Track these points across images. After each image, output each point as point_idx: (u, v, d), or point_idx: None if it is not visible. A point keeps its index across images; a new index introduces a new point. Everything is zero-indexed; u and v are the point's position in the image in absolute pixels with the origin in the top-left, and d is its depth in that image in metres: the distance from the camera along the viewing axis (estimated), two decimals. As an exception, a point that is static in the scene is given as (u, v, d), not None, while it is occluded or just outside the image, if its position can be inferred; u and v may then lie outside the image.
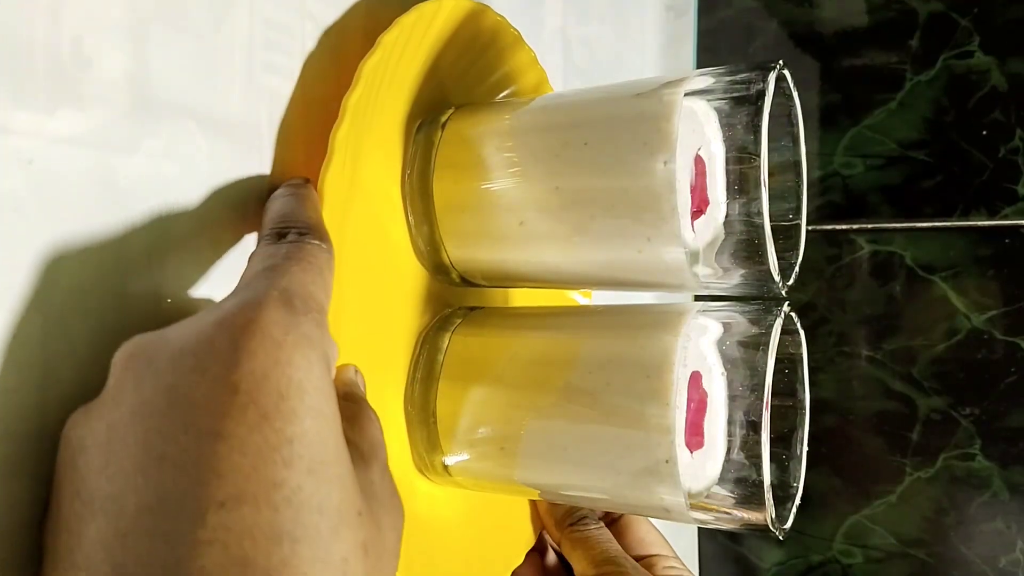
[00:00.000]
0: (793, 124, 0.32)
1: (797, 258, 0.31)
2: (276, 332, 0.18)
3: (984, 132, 0.67)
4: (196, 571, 0.16)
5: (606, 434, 0.30)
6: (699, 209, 0.29)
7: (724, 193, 0.30)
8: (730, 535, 0.75)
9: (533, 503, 0.37)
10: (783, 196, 0.32)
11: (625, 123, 0.29)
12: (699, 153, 0.29)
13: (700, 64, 0.75)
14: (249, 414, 0.17)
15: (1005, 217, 0.66)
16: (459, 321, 0.34)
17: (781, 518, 0.29)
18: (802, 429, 0.32)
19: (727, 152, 0.30)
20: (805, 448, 0.32)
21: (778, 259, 0.28)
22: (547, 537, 0.38)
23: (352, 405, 0.24)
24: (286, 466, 0.17)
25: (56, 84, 0.22)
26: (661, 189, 0.28)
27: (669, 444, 0.28)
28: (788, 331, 0.31)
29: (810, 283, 0.71)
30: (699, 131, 0.29)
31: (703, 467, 0.30)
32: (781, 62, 0.29)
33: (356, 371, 0.28)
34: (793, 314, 0.31)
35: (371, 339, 0.31)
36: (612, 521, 0.37)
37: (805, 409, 0.32)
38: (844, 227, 0.71)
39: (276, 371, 0.17)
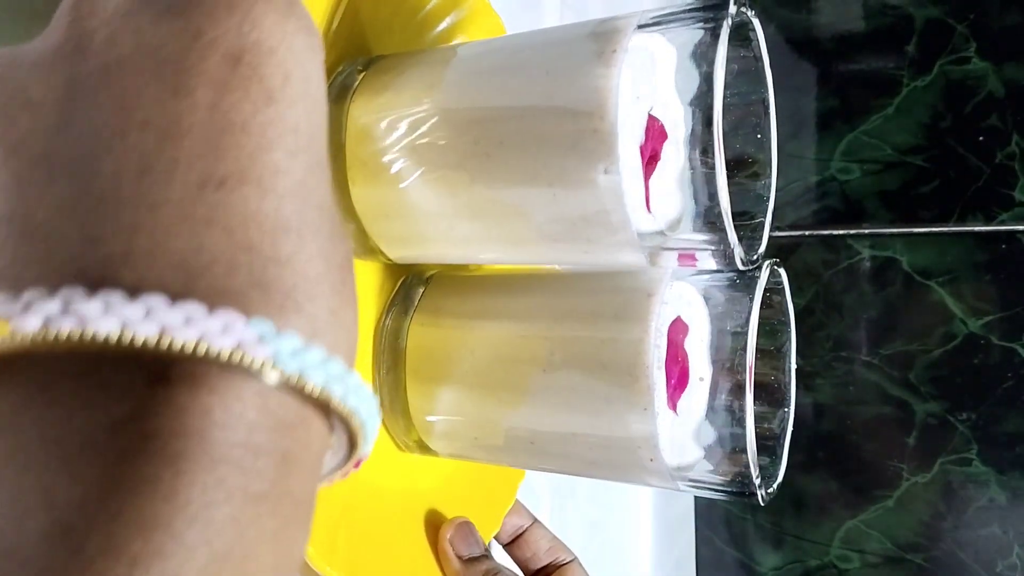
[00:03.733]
0: (760, 61, 0.27)
1: (765, 224, 0.27)
2: (281, 2, 0.16)
3: (981, 138, 0.67)
4: (192, 251, 0.14)
5: (582, 432, 0.28)
6: (653, 157, 0.25)
7: (685, 154, 0.25)
8: (727, 539, 0.75)
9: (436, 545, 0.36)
10: (752, 157, 0.28)
11: (548, 118, 0.24)
12: (651, 113, 0.25)
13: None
14: (253, 91, 0.15)
15: (1002, 223, 0.66)
16: (416, 304, 0.33)
17: (767, 482, 0.28)
18: (788, 387, 0.31)
19: (688, 106, 0.25)
20: (792, 408, 0.31)
21: (744, 226, 0.25)
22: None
23: None
24: (290, 156, 0.15)
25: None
26: (605, 202, 0.23)
27: (652, 448, 0.27)
28: (774, 289, 0.29)
29: (807, 288, 0.72)
30: (648, 83, 0.25)
31: (685, 427, 0.29)
32: None
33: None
34: (780, 269, 0.29)
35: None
36: (513, 541, 0.37)
37: (791, 374, 0.31)
38: (841, 232, 0.71)
39: (283, 47, 0.15)
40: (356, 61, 0.29)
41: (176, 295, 0.13)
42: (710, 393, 0.29)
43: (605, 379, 0.27)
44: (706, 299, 0.30)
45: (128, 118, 0.14)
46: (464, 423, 0.31)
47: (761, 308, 0.27)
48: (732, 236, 0.23)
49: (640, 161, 0.24)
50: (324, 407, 0.15)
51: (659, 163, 0.25)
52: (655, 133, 0.25)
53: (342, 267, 0.16)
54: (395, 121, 0.27)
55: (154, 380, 0.13)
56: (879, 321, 0.70)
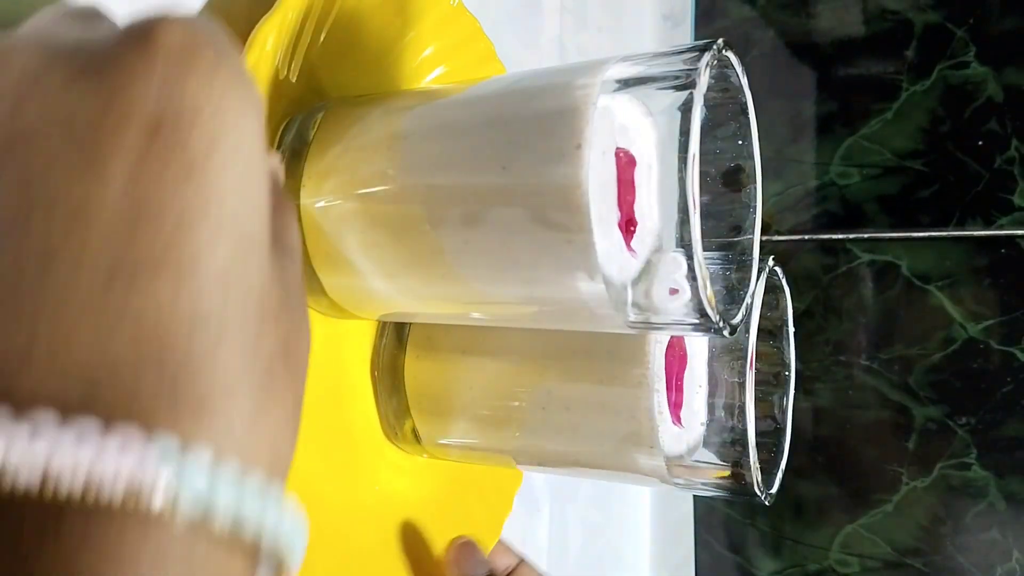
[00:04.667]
0: (745, 115, 0.24)
1: (748, 288, 0.24)
2: (208, 56, 0.14)
3: (980, 142, 0.67)
4: (95, 359, 0.12)
5: (591, 461, 0.29)
6: (630, 222, 0.22)
7: (658, 213, 0.23)
8: (726, 544, 0.75)
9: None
10: (737, 210, 0.25)
11: (514, 223, 0.21)
12: (618, 148, 0.23)
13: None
14: (173, 164, 0.13)
15: (1001, 227, 0.66)
16: (407, 332, 0.32)
17: (767, 482, 0.28)
18: (788, 388, 0.31)
19: (664, 160, 0.23)
20: (791, 401, 0.31)
21: (732, 244, 0.24)
22: None
23: (276, 194, 0.19)
24: (213, 236, 0.13)
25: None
26: (589, 302, 0.21)
27: (662, 475, 0.28)
28: (772, 287, 0.29)
29: (807, 292, 0.72)
30: (616, 130, 0.23)
31: (689, 435, 0.29)
32: (721, 41, 0.21)
33: (280, 159, 0.21)
34: (777, 268, 0.29)
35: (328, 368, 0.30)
36: None
37: (791, 367, 0.31)
38: (840, 236, 0.71)
39: (209, 108, 0.13)
40: (303, 115, 0.27)
41: (72, 409, 0.12)
42: (710, 398, 0.29)
43: (607, 418, 0.28)
44: None
45: (33, 197, 0.13)
46: (472, 446, 0.32)
47: (760, 312, 0.28)
48: (716, 320, 0.22)
49: (622, 238, 0.22)
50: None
51: (636, 228, 0.23)
52: (626, 206, 0.23)
53: (272, 357, 0.15)
54: (348, 215, 0.25)
55: (42, 534, 0.12)
56: (878, 325, 0.70)
